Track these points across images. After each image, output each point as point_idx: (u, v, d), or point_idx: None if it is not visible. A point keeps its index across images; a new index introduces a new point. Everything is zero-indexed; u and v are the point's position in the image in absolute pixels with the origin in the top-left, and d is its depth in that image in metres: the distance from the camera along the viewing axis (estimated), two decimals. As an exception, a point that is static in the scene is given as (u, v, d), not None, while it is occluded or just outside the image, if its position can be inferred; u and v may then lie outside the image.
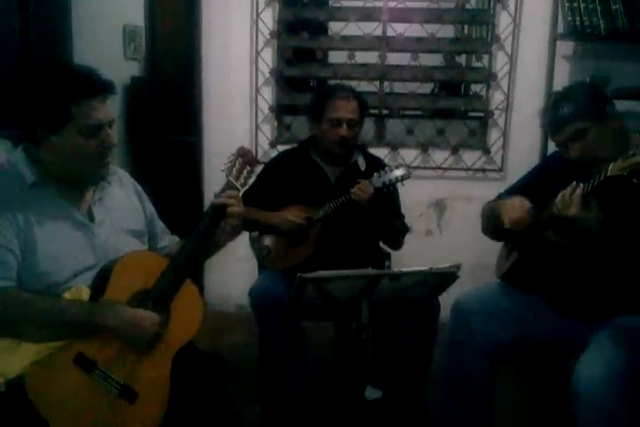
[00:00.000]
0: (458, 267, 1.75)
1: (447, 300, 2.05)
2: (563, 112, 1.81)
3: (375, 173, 2.30)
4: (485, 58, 3.22)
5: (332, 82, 3.33)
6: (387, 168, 2.31)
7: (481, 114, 3.26)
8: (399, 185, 2.36)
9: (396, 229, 2.48)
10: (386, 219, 2.39)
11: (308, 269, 1.67)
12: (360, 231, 2.39)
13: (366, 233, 2.41)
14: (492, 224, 2.02)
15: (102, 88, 1.55)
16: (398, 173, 2.29)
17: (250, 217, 2.32)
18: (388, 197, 2.37)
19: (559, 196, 1.71)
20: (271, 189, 2.43)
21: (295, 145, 2.62)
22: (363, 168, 2.44)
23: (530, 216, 1.85)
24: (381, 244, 2.57)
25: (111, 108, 1.59)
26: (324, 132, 2.37)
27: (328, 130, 2.35)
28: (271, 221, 2.37)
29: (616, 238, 1.71)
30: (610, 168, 1.61)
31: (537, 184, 2.04)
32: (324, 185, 2.42)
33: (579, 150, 1.81)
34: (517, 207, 1.87)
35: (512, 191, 2.13)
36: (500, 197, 2.15)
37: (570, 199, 1.68)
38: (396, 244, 2.52)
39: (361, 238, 2.42)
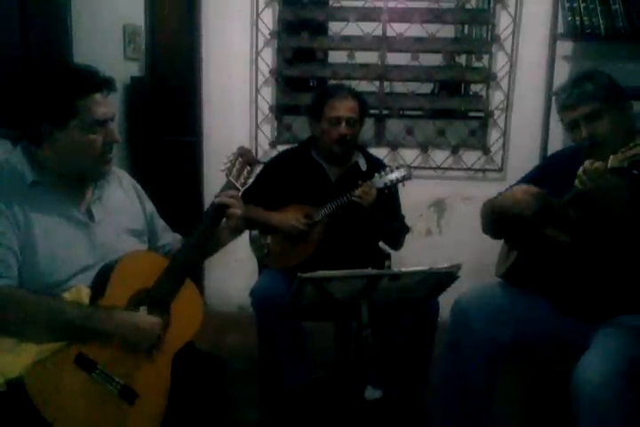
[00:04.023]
0: (458, 267, 1.75)
1: (447, 300, 2.04)
2: (584, 89, 1.80)
3: (376, 174, 2.30)
4: (485, 58, 3.22)
5: (331, 82, 3.33)
6: (387, 169, 2.31)
7: (481, 114, 3.26)
8: (400, 185, 2.36)
9: (396, 230, 2.48)
10: (387, 220, 2.39)
11: (308, 269, 1.67)
12: (360, 231, 2.39)
13: (367, 233, 2.41)
14: (497, 217, 1.98)
15: (104, 83, 1.57)
16: (399, 173, 2.29)
17: (250, 216, 2.31)
18: (388, 197, 2.37)
19: (581, 169, 1.66)
20: (271, 188, 2.43)
21: (295, 145, 2.62)
22: (364, 168, 2.44)
23: (537, 198, 1.83)
24: (382, 244, 2.57)
25: (112, 106, 1.61)
26: (324, 132, 2.37)
27: (327, 129, 2.35)
28: (272, 223, 2.37)
29: (634, 222, 1.67)
30: (610, 160, 1.61)
31: (538, 182, 2.03)
32: (325, 185, 2.42)
33: (588, 131, 1.80)
34: (522, 190, 1.86)
35: None
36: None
37: (595, 171, 1.63)
38: (397, 244, 2.52)
39: (361, 238, 2.42)
